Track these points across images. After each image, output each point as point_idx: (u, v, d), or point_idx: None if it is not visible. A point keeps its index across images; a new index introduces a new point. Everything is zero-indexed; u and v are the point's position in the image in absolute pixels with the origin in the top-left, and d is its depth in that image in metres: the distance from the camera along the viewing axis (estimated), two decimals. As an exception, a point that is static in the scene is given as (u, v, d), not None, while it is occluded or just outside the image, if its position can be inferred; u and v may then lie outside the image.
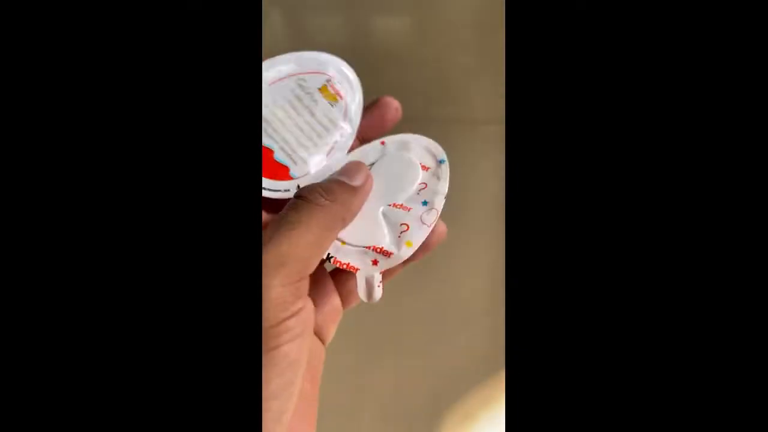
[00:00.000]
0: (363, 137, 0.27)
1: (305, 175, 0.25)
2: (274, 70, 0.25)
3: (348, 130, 0.27)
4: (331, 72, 0.26)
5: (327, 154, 0.26)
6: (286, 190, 0.25)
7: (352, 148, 0.27)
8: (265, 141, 0.25)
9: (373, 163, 0.26)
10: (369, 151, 0.26)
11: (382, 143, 0.27)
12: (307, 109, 0.26)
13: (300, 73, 0.26)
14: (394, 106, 0.27)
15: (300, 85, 0.26)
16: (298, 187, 0.25)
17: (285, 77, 0.25)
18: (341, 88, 0.27)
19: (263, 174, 0.25)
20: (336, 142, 0.26)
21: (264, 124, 0.25)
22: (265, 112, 0.25)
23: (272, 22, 0.53)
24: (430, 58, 0.50)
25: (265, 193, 0.25)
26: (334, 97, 0.26)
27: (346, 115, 0.27)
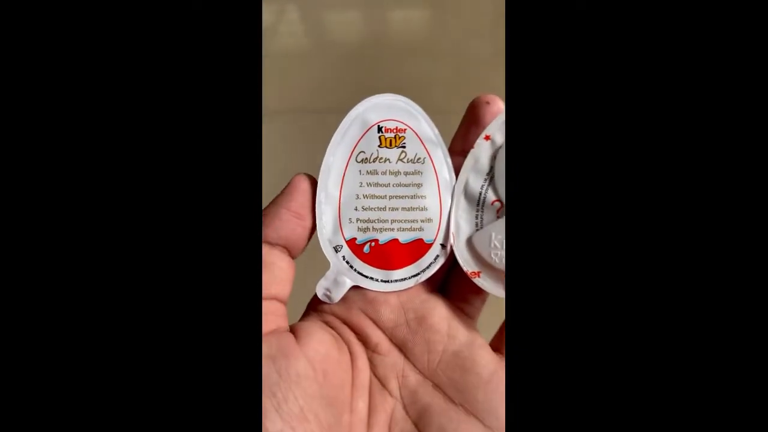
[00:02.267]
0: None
1: (438, 230, 0.23)
2: (333, 174, 0.22)
3: (438, 151, 0.23)
4: (373, 118, 0.22)
5: (439, 193, 0.23)
6: (436, 257, 0.23)
7: (456, 165, 0.23)
8: (383, 238, 0.23)
9: (492, 168, 0.22)
10: (480, 155, 0.22)
11: (487, 138, 0.22)
12: (386, 173, 0.23)
13: (352, 151, 0.22)
14: (484, 101, 0.22)
15: (362, 161, 0.23)
16: (442, 246, 0.23)
17: (344, 169, 0.22)
18: (395, 123, 0.22)
19: (401, 266, 0.23)
20: (437, 174, 0.23)
21: (368, 226, 0.23)
22: (359, 215, 0.23)
23: (290, 18, 0.53)
24: (450, 49, 0.49)
25: (420, 279, 0.23)
26: (398, 138, 0.23)
27: (422, 140, 0.23)
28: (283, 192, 0.22)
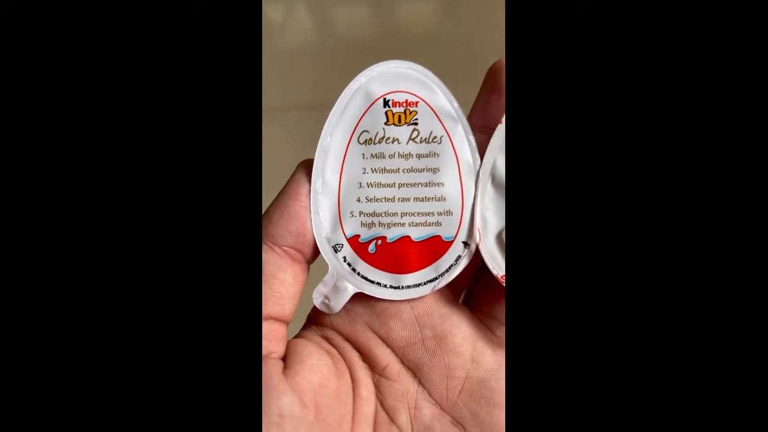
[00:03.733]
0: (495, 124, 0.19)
1: (459, 225, 0.19)
2: (331, 158, 0.19)
3: (459, 129, 0.19)
4: (378, 90, 0.18)
5: (460, 179, 0.19)
6: (457, 258, 0.19)
7: (477, 142, 0.19)
8: (392, 235, 0.19)
9: None
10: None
11: (500, 122, 0.18)
12: (395, 156, 0.19)
13: (354, 130, 0.19)
14: (503, 66, 0.18)
15: (366, 142, 0.19)
16: (465, 245, 0.19)
17: (345, 153, 0.19)
18: (405, 95, 0.19)
19: (414, 269, 0.19)
20: (458, 156, 0.19)
21: (373, 220, 0.19)
22: (363, 207, 0.19)
23: (298, 15, 0.52)
24: (460, 39, 0.49)
25: (438, 285, 0.19)
26: (408, 114, 0.19)
27: (438, 115, 0.19)
28: (287, 183, 0.19)
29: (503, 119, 0.18)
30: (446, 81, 0.19)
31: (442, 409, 0.18)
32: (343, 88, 0.19)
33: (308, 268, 0.19)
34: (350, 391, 0.18)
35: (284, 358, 0.18)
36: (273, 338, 0.18)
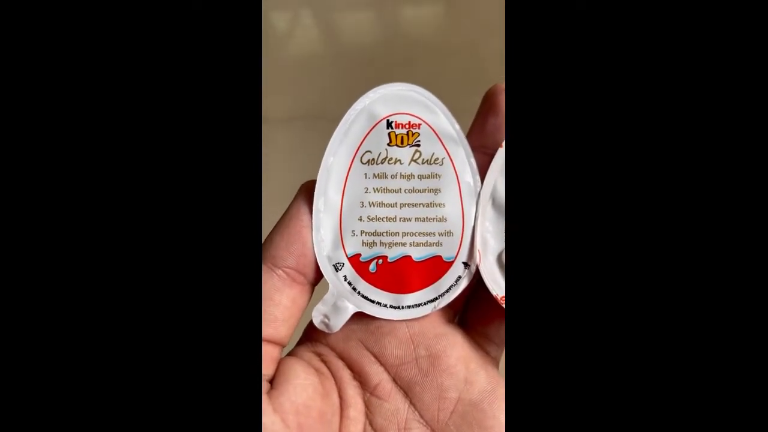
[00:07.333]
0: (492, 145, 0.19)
1: (459, 245, 0.19)
2: (334, 177, 0.19)
3: (460, 151, 0.19)
4: (382, 111, 0.19)
5: (460, 200, 0.19)
6: (457, 279, 0.19)
7: (481, 165, 0.19)
8: (393, 254, 0.19)
9: None
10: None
11: (501, 146, 0.19)
12: (397, 176, 0.19)
13: (357, 150, 0.19)
14: (502, 88, 0.18)
15: (369, 162, 0.19)
16: (466, 265, 0.19)
17: (347, 172, 0.19)
18: (408, 117, 0.19)
19: (414, 289, 0.19)
20: (459, 177, 0.19)
21: (374, 240, 0.19)
22: (364, 226, 0.19)
23: (304, 23, 0.52)
24: (463, 45, 0.50)
25: (438, 306, 0.19)
26: (411, 135, 0.19)
27: (440, 137, 0.19)
28: (290, 206, 0.19)
29: (504, 143, 0.18)
30: (450, 88, 0.19)
31: (432, 430, 0.18)
32: (348, 98, 0.19)
33: (311, 290, 0.19)
34: (337, 412, 0.18)
35: (273, 378, 0.18)
36: (263, 360, 0.18)
